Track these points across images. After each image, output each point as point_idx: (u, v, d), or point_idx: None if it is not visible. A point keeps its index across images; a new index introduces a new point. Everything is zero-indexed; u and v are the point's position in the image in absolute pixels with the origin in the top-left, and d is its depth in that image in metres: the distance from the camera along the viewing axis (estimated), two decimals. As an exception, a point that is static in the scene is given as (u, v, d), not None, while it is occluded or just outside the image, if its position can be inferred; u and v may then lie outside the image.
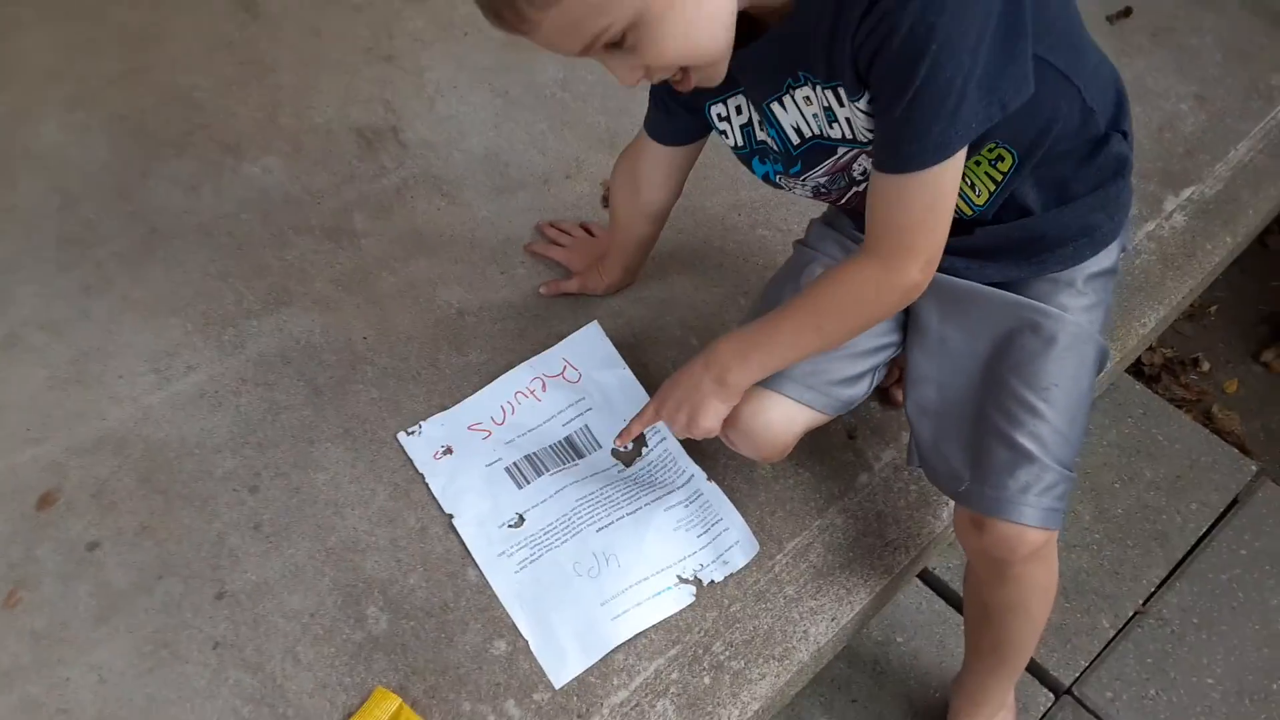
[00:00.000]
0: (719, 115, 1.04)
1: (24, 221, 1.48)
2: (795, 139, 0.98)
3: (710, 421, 1.04)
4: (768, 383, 1.04)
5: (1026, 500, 0.94)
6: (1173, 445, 1.53)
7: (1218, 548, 1.42)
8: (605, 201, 1.50)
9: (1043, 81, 0.87)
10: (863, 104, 0.87)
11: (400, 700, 1.04)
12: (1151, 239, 1.48)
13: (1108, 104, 0.96)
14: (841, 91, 0.88)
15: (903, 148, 0.84)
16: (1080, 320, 1.00)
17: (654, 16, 0.79)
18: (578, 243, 1.42)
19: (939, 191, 0.87)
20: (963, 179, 0.96)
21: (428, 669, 1.07)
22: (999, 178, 0.96)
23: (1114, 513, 1.46)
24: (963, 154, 0.85)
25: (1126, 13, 1.78)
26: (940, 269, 1.02)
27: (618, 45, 0.81)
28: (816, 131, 0.96)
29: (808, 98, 0.93)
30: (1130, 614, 1.37)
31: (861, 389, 1.09)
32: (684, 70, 0.87)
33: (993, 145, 0.94)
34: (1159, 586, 1.39)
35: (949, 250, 1.02)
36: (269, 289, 1.41)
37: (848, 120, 0.91)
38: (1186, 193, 1.56)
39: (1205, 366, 1.74)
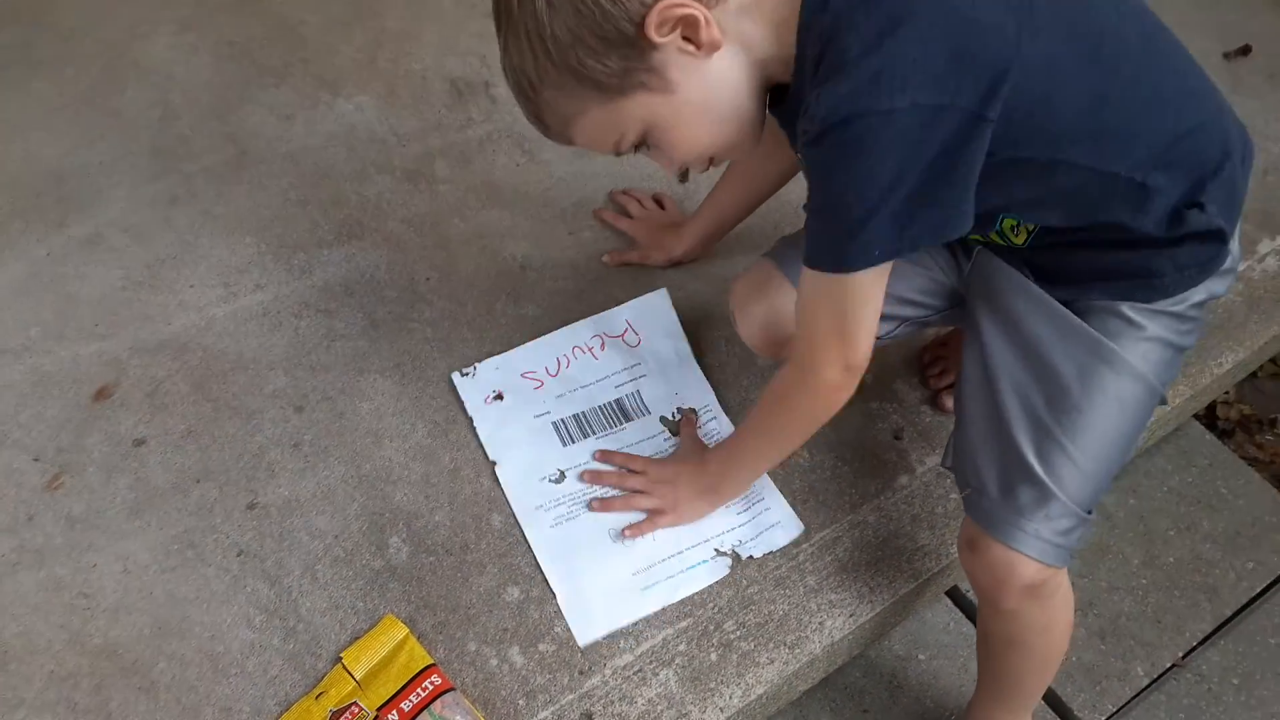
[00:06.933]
0: None
1: (124, 128, 1.54)
2: None
3: (691, 521, 1.13)
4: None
5: (1023, 526, 0.89)
6: (1236, 500, 1.46)
7: (1270, 610, 1.35)
8: (682, 178, 1.49)
9: (1056, 176, 0.84)
10: None
11: (408, 630, 1.05)
12: (1240, 279, 1.42)
13: (1176, 180, 0.86)
14: None
15: (809, 243, 0.85)
16: (1130, 353, 0.92)
17: (664, 121, 0.85)
18: (647, 214, 1.42)
19: (845, 300, 0.86)
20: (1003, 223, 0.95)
21: (439, 605, 1.08)
22: (1032, 228, 0.93)
23: (1164, 560, 1.40)
24: (875, 273, 0.83)
25: (1245, 51, 1.71)
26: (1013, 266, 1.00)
27: (645, 145, 0.89)
28: None
29: None
30: (1168, 665, 1.31)
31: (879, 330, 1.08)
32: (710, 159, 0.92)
33: (1014, 222, 0.92)
34: (1202, 641, 1.33)
35: (1008, 257, 0.99)
36: (344, 221, 1.44)
37: None
38: (1284, 239, 1.49)
39: (1285, 428, 1.66)
